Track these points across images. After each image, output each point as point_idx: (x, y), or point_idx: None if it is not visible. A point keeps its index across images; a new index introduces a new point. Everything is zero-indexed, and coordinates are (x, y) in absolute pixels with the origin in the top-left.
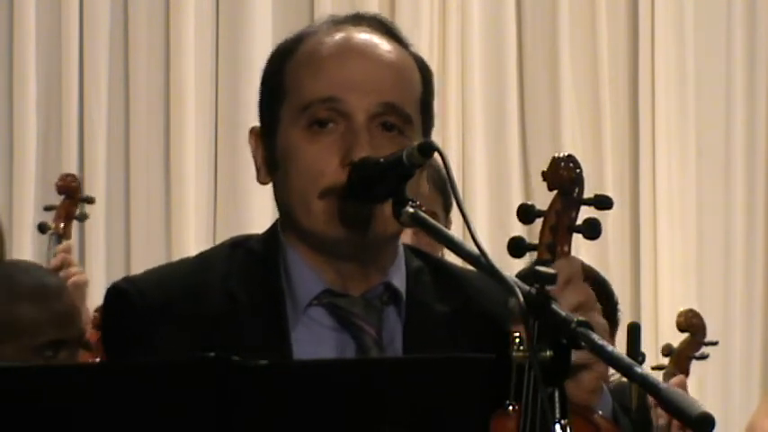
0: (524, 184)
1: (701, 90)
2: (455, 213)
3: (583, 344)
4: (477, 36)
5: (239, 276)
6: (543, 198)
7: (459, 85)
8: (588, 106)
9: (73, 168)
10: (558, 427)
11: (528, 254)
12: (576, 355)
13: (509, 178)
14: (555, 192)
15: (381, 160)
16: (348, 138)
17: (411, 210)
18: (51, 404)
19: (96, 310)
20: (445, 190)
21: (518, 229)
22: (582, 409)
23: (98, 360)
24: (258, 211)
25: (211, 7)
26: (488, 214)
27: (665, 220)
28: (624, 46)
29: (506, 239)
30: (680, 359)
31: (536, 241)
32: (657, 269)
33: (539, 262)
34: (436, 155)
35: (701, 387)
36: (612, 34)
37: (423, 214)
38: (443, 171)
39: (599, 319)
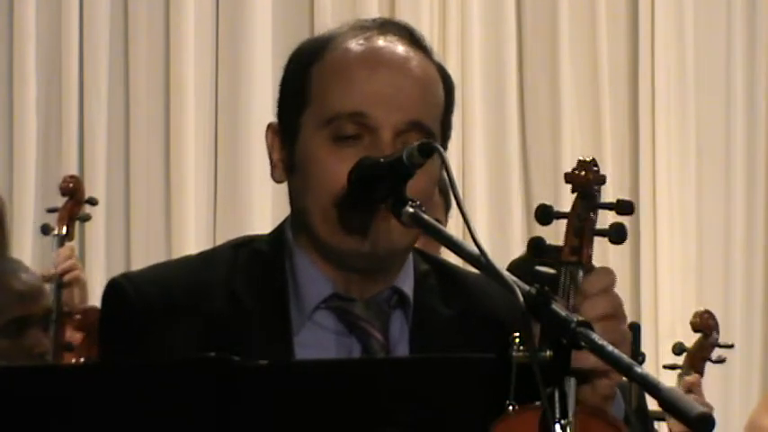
0: (524, 185)
1: (701, 90)
2: (455, 213)
3: (582, 344)
4: (477, 36)
5: (243, 277)
6: (543, 198)
7: (459, 85)
8: (588, 106)
9: (73, 169)
10: (558, 427)
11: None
12: (593, 362)
13: (509, 178)
14: (576, 194)
15: (381, 160)
16: (372, 152)
17: (411, 210)
18: (50, 404)
19: (75, 313)
20: (446, 191)
21: (518, 230)
22: (595, 410)
23: (81, 361)
24: (258, 211)
25: (211, 7)
26: (488, 214)
27: (665, 221)
28: (624, 46)
29: (506, 240)
30: (695, 360)
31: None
32: (657, 269)
33: (562, 263)
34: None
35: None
36: (612, 34)
37: (423, 214)
38: (443, 171)
39: (624, 329)
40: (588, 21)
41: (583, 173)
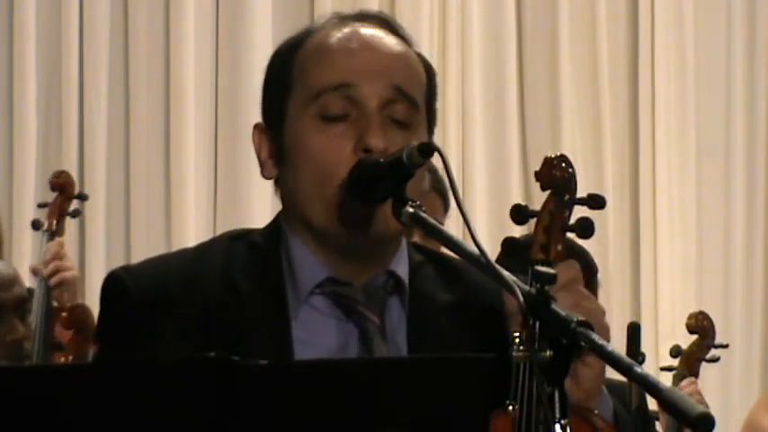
0: (524, 184)
1: (701, 90)
2: (454, 213)
3: (583, 344)
4: (477, 36)
5: (240, 266)
6: (543, 198)
7: (459, 85)
8: (588, 106)
9: (73, 168)
10: (558, 427)
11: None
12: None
13: (509, 178)
14: (548, 192)
15: (381, 160)
16: (360, 124)
17: (411, 209)
18: (49, 404)
19: (64, 310)
20: (445, 193)
21: (518, 230)
22: (579, 409)
23: (70, 359)
24: (258, 209)
25: (211, 7)
26: (488, 214)
27: (665, 220)
28: (624, 46)
29: None
30: (690, 361)
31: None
32: (657, 269)
33: (531, 261)
34: (436, 155)
35: (702, 387)
36: (612, 34)
37: (423, 214)
38: (443, 172)
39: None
40: (588, 21)
41: (549, 170)
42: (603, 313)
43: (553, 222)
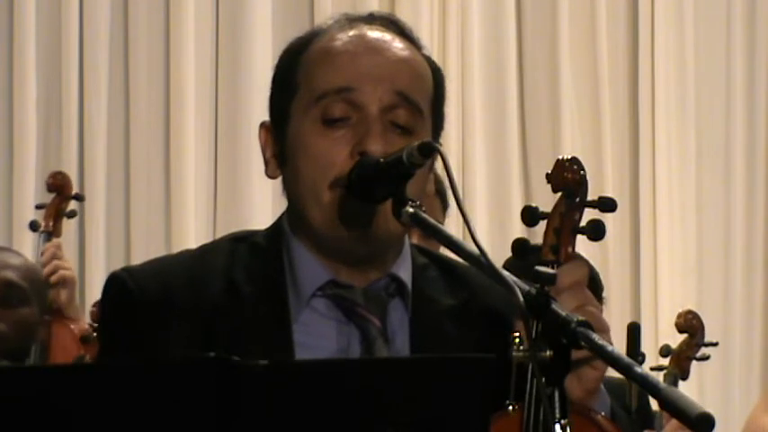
0: (524, 185)
1: (701, 90)
2: (454, 213)
3: (583, 344)
4: (477, 36)
5: (242, 268)
6: (543, 199)
7: (459, 85)
8: (588, 106)
9: (73, 168)
10: (558, 427)
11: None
12: (581, 353)
13: (509, 178)
14: (559, 194)
15: (381, 160)
16: (360, 129)
17: (411, 209)
18: (48, 404)
19: (94, 305)
20: (444, 193)
21: (518, 230)
22: (580, 408)
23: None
24: (258, 210)
25: (211, 8)
26: (488, 214)
27: (665, 221)
28: (624, 46)
29: (506, 240)
30: (680, 360)
31: (539, 242)
32: (657, 269)
33: (542, 262)
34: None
35: (701, 387)
36: (612, 34)
37: (423, 214)
38: (442, 172)
39: (598, 315)
40: (588, 21)
41: (561, 172)
42: (608, 329)
43: (564, 224)
